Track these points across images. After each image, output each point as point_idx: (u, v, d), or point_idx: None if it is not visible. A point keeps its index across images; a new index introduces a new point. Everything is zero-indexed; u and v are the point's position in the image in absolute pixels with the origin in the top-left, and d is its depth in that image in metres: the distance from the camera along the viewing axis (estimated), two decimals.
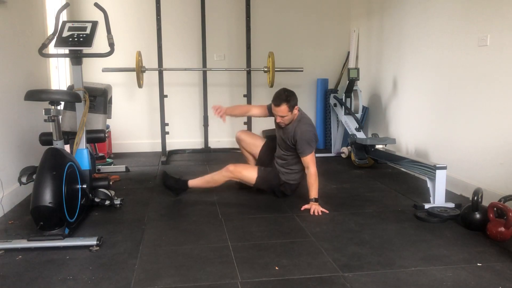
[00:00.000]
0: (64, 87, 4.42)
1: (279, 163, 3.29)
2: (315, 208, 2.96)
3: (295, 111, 3.12)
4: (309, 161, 3.06)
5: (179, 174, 3.48)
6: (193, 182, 3.30)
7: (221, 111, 3.32)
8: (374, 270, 2.12)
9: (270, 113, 3.29)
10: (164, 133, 4.77)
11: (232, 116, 3.54)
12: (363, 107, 4.93)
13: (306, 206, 3.02)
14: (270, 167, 3.30)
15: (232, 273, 2.07)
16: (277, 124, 3.23)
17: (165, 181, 3.34)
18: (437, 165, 3.01)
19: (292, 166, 3.23)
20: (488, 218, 2.52)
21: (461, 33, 3.39)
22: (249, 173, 3.23)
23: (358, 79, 4.66)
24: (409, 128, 4.24)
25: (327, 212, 2.97)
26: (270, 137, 3.50)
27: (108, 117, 3.68)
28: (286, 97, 3.05)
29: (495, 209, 2.53)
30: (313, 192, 3.04)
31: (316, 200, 3.03)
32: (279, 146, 3.30)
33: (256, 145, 3.52)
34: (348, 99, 4.65)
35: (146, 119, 5.23)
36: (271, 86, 4.76)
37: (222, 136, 5.33)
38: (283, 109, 3.04)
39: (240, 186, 3.47)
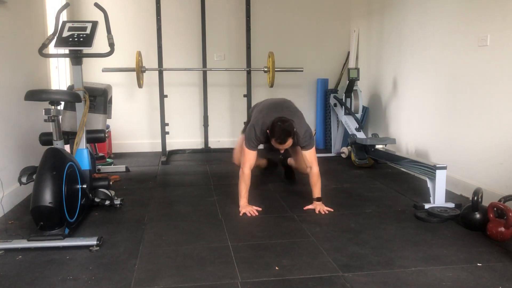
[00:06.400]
0: (64, 87, 4.42)
1: None
2: (320, 208, 2.97)
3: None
4: (313, 159, 3.03)
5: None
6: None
7: (253, 211, 2.94)
8: (374, 270, 2.12)
9: (257, 149, 3.04)
10: (164, 133, 4.77)
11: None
12: (363, 107, 4.93)
13: (310, 206, 3.02)
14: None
15: (232, 273, 2.07)
16: (271, 145, 3.00)
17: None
18: (437, 165, 3.01)
19: None
20: (488, 218, 2.52)
21: (461, 33, 3.39)
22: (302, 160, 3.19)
23: (358, 79, 4.66)
24: (409, 128, 4.24)
25: (332, 210, 2.97)
26: None
27: (108, 117, 3.68)
28: (287, 131, 2.80)
29: (495, 209, 2.53)
30: (316, 192, 3.04)
31: (319, 199, 3.03)
32: None
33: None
34: (348, 99, 4.65)
35: (146, 119, 5.23)
36: (271, 86, 4.76)
37: (222, 136, 5.33)
38: (289, 142, 2.86)
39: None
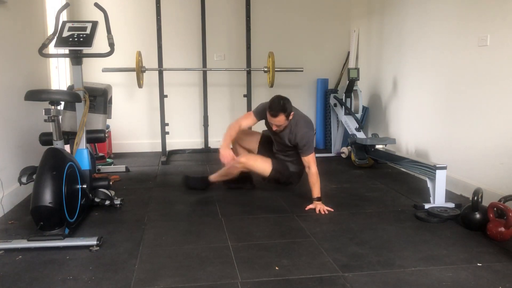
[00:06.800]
0: (64, 87, 4.42)
1: (282, 156, 3.27)
2: (320, 207, 2.97)
3: (290, 116, 3.02)
4: (310, 160, 3.05)
5: (200, 173, 3.58)
6: (213, 177, 3.45)
7: (229, 156, 3.09)
8: (374, 270, 2.12)
9: (258, 118, 3.21)
10: (164, 133, 4.77)
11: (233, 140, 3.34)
12: (363, 107, 4.93)
13: (310, 206, 3.02)
14: (273, 157, 3.28)
15: (232, 273, 2.07)
16: (270, 129, 3.14)
17: (188, 183, 3.49)
18: (437, 165, 3.01)
19: (296, 157, 3.20)
20: (488, 218, 2.52)
21: (461, 33, 3.39)
22: (263, 165, 3.22)
23: (358, 79, 4.66)
24: (409, 128, 4.24)
25: (332, 210, 2.97)
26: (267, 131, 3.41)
27: (108, 117, 3.68)
28: (282, 106, 2.94)
29: (495, 209, 2.53)
30: (316, 191, 3.04)
31: (319, 199, 3.03)
32: (278, 144, 3.28)
33: (253, 140, 3.47)
34: (348, 99, 4.65)
35: (146, 119, 5.23)
36: (271, 86, 4.76)
37: (222, 136, 5.31)
38: (280, 118, 2.96)
39: (228, 187, 3.49)
